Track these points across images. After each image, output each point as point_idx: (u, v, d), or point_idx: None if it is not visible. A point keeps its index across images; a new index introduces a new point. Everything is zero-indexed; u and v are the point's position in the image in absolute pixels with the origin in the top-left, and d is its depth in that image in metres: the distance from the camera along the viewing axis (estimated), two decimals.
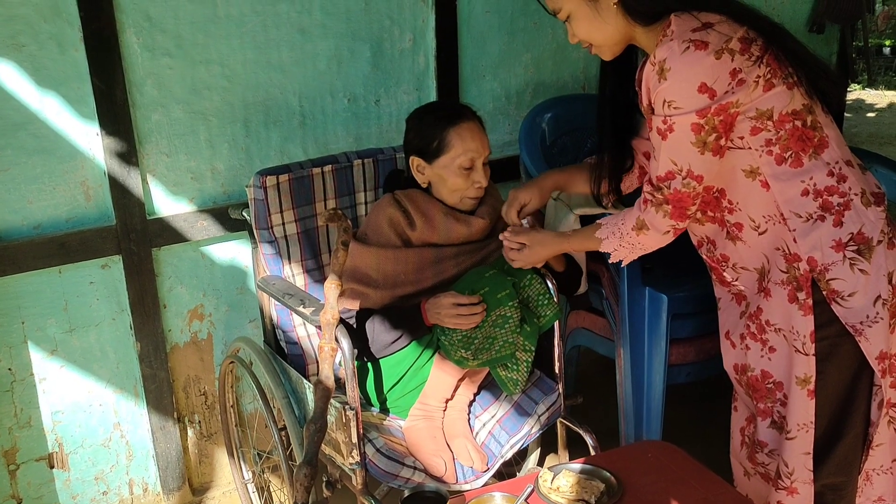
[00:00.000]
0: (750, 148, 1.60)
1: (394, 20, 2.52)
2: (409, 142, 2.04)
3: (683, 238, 1.78)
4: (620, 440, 2.37)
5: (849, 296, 1.60)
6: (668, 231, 1.68)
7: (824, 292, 1.61)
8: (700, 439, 2.33)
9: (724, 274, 1.79)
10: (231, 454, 2.48)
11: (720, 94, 1.52)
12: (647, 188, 1.67)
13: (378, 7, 2.48)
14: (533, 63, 2.81)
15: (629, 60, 1.78)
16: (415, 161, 2.01)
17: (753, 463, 1.83)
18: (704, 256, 1.83)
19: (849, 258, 1.60)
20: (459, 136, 1.94)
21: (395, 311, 1.94)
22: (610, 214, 2.24)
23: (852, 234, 1.60)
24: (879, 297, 1.60)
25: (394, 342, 1.91)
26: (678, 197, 1.62)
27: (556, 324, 2.02)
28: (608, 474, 1.64)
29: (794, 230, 1.61)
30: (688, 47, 1.51)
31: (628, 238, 1.72)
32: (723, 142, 1.58)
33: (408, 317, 1.91)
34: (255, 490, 2.45)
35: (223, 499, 2.57)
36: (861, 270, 1.59)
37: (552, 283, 2.00)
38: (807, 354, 1.63)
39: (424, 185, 2.03)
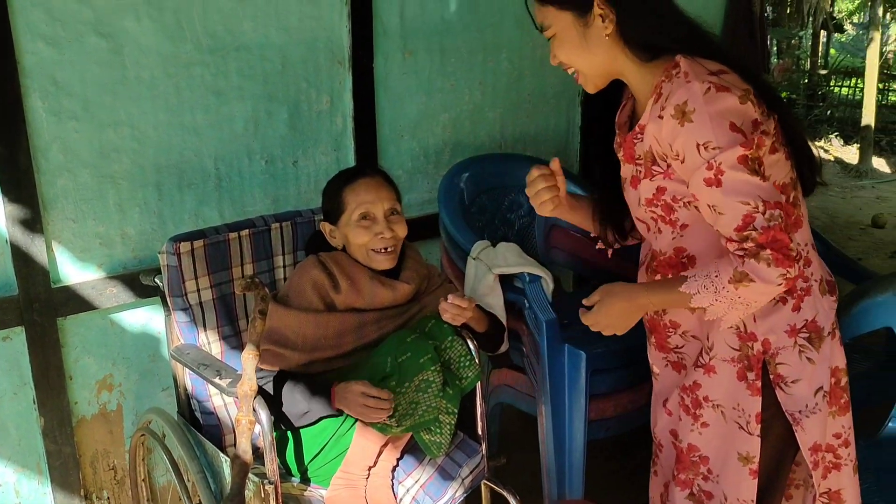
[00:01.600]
0: None
1: (311, 82, 2.52)
2: (322, 210, 2.08)
3: None
4: (544, 498, 2.37)
5: (792, 382, 1.59)
6: (780, 283, 1.46)
7: (771, 376, 1.59)
8: (621, 494, 2.35)
9: (669, 340, 1.73)
10: None
11: (748, 136, 1.43)
12: (731, 247, 1.48)
13: (295, 69, 2.48)
14: (451, 123, 2.85)
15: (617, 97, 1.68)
16: (326, 227, 2.03)
17: None
18: (649, 318, 1.75)
19: (799, 345, 1.58)
20: (353, 192, 1.97)
21: (308, 385, 1.89)
22: (523, 272, 2.26)
23: (806, 321, 1.58)
24: (821, 388, 1.59)
25: (304, 415, 1.88)
26: (771, 236, 1.43)
27: (478, 385, 2.02)
28: None
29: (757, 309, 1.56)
30: (709, 88, 1.43)
31: (725, 293, 1.50)
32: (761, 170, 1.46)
33: (318, 394, 1.88)
34: None
35: None
36: (808, 359, 1.58)
37: (473, 344, 2.01)
38: (751, 434, 1.61)
39: (339, 249, 2.02)
